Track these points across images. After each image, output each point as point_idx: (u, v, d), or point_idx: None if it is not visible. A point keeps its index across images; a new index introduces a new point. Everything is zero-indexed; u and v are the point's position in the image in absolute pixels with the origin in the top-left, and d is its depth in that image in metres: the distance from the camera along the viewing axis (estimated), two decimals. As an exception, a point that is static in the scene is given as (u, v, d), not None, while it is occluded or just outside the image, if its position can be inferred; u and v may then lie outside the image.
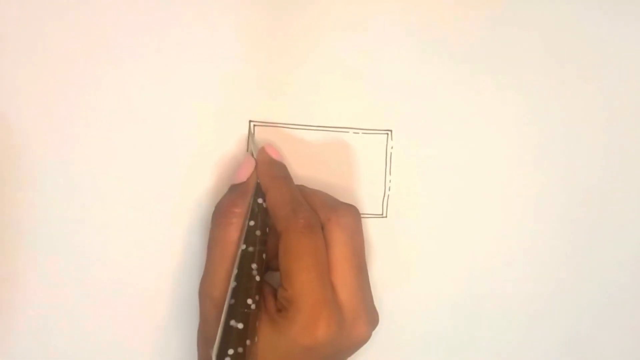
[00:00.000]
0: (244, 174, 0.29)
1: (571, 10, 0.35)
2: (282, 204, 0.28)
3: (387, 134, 0.34)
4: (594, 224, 0.35)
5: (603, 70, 0.35)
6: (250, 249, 0.27)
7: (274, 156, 0.30)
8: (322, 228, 0.28)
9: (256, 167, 0.30)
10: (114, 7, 0.32)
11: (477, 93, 0.34)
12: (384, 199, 0.33)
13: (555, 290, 0.35)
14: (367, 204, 0.33)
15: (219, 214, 0.28)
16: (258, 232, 0.28)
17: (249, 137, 0.32)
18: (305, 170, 0.33)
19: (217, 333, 0.26)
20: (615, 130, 0.35)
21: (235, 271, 0.27)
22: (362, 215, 0.33)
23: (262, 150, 0.30)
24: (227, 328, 0.26)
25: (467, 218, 0.34)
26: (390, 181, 0.34)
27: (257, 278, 0.27)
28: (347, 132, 0.33)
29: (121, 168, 0.31)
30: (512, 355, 0.35)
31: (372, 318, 0.28)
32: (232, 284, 0.27)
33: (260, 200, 0.29)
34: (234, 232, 0.28)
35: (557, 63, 0.35)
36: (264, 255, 0.28)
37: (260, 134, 0.33)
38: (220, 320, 0.26)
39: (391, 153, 0.34)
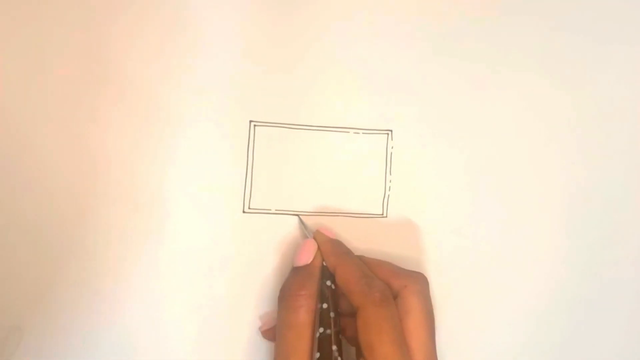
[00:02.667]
0: (308, 257, 0.30)
1: (570, 10, 0.35)
2: (355, 280, 0.28)
3: (387, 134, 0.34)
4: (594, 223, 0.35)
5: (604, 68, 0.35)
6: (328, 331, 0.28)
7: (331, 236, 0.31)
8: (396, 295, 0.29)
9: (319, 249, 0.30)
10: (114, 6, 0.32)
11: (477, 93, 0.34)
12: (384, 199, 0.33)
13: (555, 289, 0.35)
14: (367, 204, 0.33)
15: (287, 297, 0.29)
16: (332, 314, 0.28)
17: (301, 224, 0.32)
18: (305, 170, 0.33)
19: None
20: (615, 130, 0.35)
21: (317, 355, 0.27)
22: (362, 215, 0.33)
23: (319, 232, 0.31)
24: None
25: (467, 218, 0.34)
26: (390, 181, 0.34)
27: (339, 359, 0.28)
28: (347, 132, 0.33)
29: (119, 168, 0.32)
30: (512, 354, 0.35)
31: None
32: None
33: (328, 283, 0.29)
34: (305, 314, 0.28)
35: (557, 63, 0.35)
36: (340, 336, 0.28)
37: (261, 134, 0.33)
38: None
39: (391, 153, 0.34)
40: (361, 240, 0.33)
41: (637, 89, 0.35)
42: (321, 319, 0.28)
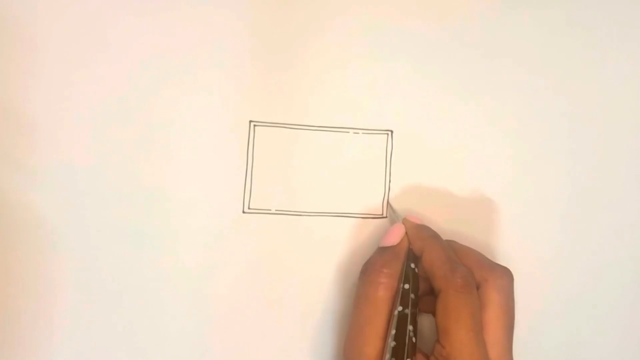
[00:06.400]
0: (395, 238, 0.31)
1: (570, 11, 0.35)
2: (439, 263, 0.29)
3: (387, 134, 0.34)
4: (593, 223, 0.35)
5: (605, 70, 0.35)
6: (407, 311, 0.28)
7: (418, 222, 0.31)
8: (478, 287, 0.29)
9: (406, 234, 0.31)
10: (115, 7, 0.32)
11: (477, 93, 0.34)
12: (384, 199, 0.33)
13: (555, 288, 0.35)
14: (367, 204, 0.33)
15: (370, 272, 0.29)
16: (412, 296, 0.29)
17: (390, 209, 0.33)
18: (305, 170, 0.33)
19: None
20: (616, 130, 0.35)
21: (393, 331, 0.28)
22: (362, 216, 0.33)
23: (407, 219, 0.31)
24: None
25: (467, 218, 0.34)
26: (390, 181, 0.34)
27: (414, 340, 0.28)
28: (347, 132, 0.33)
29: (120, 168, 0.32)
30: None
31: None
32: (392, 343, 0.28)
33: (412, 265, 0.30)
34: (384, 291, 0.28)
35: (557, 63, 0.35)
36: (417, 318, 0.29)
37: (260, 134, 0.33)
38: None
39: (391, 153, 0.34)
40: (361, 240, 0.33)
41: (637, 89, 0.35)
42: (402, 298, 0.28)
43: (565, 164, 0.35)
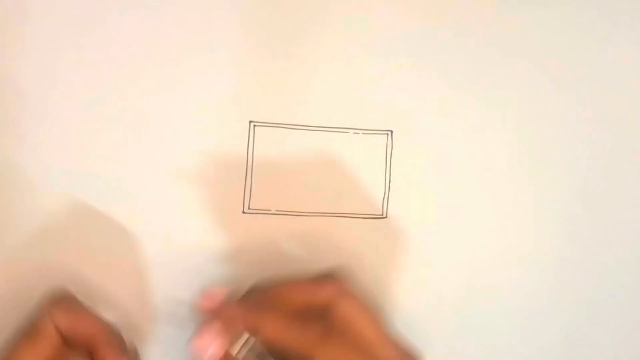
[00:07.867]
0: (215, 353, 0.28)
1: (570, 10, 0.35)
2: (282, 337, 0.27)
3: (387, 134, 0.34)
4: (594, 223, 0.35)
5: (604, 69, 0.35)
6: None
7: (215, 302, 0.29)
8: (327, 310, 0.27)
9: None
10: (114, 7, 0.32)
11: (478, 93, 0.34)
12: (384, 199, 0.33)
13: (555, 289, 0.35)
14: (367, 204, 0.33)
15: None
16: None
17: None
18: (305, 170, 0.33)
19: None
20: (616, 130, 0.35)
21: None
22: (362, 216, 0.33)
23: (206, 329, 0.28)
24: None
25: (467, 218, 0.34)
26: (390, 181, 0.34)
27: None
28: (347, 132, 0.33)
29: (120, 168, 0.32)
30: (512, 353, 0.35)
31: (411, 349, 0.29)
32: None
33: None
34: None
35: (557, 63, 0.35)
36: None
37: (261, 134, 0.33)
38: None
39: (391, 153, 0.34)
40: (361, 241, 0.33)
41: (637, 88, 0.35)
42: None
43: (566, 163, 0.35)
